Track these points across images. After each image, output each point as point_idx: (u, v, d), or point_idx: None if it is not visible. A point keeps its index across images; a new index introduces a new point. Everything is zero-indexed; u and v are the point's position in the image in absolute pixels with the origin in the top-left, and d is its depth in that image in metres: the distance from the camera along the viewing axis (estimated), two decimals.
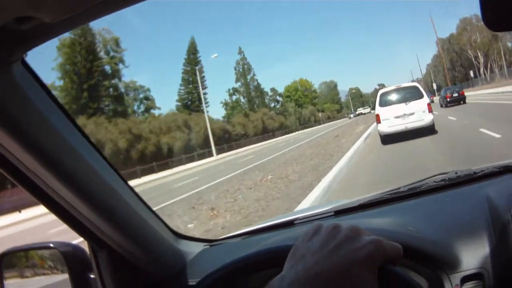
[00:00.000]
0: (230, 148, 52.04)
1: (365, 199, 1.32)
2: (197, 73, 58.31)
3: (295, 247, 0.62)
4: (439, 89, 73.70)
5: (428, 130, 12.42)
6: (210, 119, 54.07)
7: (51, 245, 1.15)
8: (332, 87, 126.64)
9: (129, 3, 0.67)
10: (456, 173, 1.33)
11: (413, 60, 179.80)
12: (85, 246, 1.10)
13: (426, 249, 0.91)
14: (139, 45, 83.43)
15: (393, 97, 13.18)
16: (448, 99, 29.04)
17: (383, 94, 13.55)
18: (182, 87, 66.72)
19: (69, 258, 1.12)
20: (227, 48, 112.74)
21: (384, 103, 13.20)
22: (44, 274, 1.25)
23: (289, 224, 1.35)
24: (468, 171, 1.30)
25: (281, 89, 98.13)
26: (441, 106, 30.25)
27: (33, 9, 0.59)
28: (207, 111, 59.79)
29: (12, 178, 0.84)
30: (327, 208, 1.35)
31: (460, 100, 28.85)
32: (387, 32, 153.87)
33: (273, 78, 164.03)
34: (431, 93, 71.01)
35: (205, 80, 67.35)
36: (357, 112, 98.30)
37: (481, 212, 0.97)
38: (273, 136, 67.58)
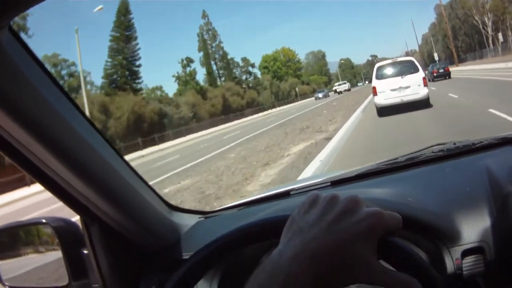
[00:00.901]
0: (164, 140, 38.48)
1: (362, 169, 1.30)
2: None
3: (291, 219, 0.60)
4: (439, 60, 71.28)
5: (423, 103, 12.88)
6: (140, 100, 44.41)
7: (43, 220, 1.13)
8: (319, 57, 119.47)
9: None
10: (454, 144, 1.32)
11: (407, 29, 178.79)
12: (78, 221, 1.08)
13: (427, 220, 0.90)
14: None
15: (389, 70, 13.69)
16: (434, 74, 32.97)
17: (379, 68, 14.05)
18: (109, 60, 51.48)
19: (62, 233, 1.10)
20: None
21: (381, 76, 13.70)
22: (37, 252, 1.23)
23: (285, 194, 1.34)
24: (466, 142, 1.29)
25: (259, 60, 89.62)
26: (429, 80, 34.86)
27: None
28: (141, 89, 51.12)
29: (2, 151, 0.81)
30: (323, 179, 1.34)
31: (446, 75, 32.57)
32: None
33: (255, 50, 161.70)
34: (427, 66, 69.77)
35: (139, 49, 53.38)
36: (334, 89, 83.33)
37: (481, 184, 0.96)
38: (242, 116, 55.37)
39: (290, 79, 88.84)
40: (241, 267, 1.03)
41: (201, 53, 71.58)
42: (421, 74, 13.19)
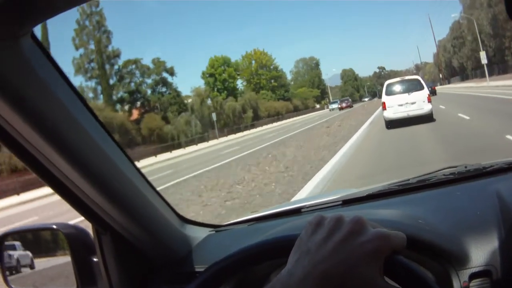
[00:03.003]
0: None
1: (374, 190, 1.30)
2: None
3: (300, 239, 0.62)
4: (462, 71, 65.25)
5: (427, 118, 14.25)
6: None
7: (54, 226, 1.14)
8: (312, 66, 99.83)
9: None
10: (465, 167, 1.32)
11: (417, 39, 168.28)
12: (89, 229, 1.09)
13: (436, 243, 0.90)
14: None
15: (398, 87, 15.37)
16: None
17: (389, 85, 15.75)
18: None
19: (72, 240, 1.11)
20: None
21: (390, 92, 15.32)
22: (46, 256, 1.24)
23: (296, 211, 1.34)
24: (477, 166, 1.29)
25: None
26: None
27: None
28: None
29: (18, 156, 0.82)
30: (334, 197, 1.34)
31: (433, 93, 35.71)
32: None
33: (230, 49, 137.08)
34: (446, 80, 67.02)
35: None
36: (329, 107, 70.41)
37: (491, 208, 0.96)
38: None
39: (249, 93, 64.98)
40: (251, 284, 1.03)
41: (80, 51, 45.31)
42: (426, 91, 14.70)
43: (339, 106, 62.62)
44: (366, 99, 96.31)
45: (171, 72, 51.88)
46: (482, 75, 48.84)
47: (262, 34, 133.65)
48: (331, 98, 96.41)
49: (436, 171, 1.36)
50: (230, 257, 0.76)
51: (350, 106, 60.93)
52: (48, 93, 0.76)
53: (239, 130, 51.90)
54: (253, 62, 76.29)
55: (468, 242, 0.88)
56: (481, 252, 0.86)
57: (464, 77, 67.24)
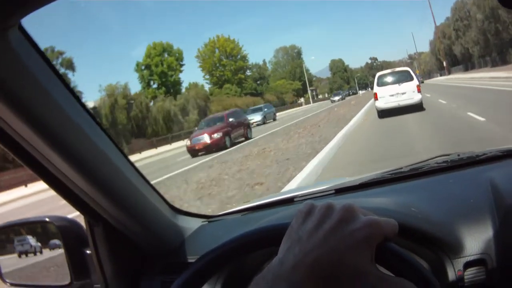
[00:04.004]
0: None
1: (366, 178, 1.31)
2: None
3: (290, 228, 0.61)
4: (466, 59, 55.81)
5: (417, 107, 15.01)
6: None
7: (47, 219, 1.15)
8: (293, 56, 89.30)
9: None
10: (458, 155, 1.32)
11: (410, 29, 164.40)
12: (82, 221, 1.09)
13: (429, 231, 0.90)
14: None
15: (389, 79, 16.04)
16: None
17: (380, 76, 16.44)
18: None
19: (65, 232, 1.11)
20: None
21: (381, 83, 15.96)
22: (39, 249, 1.23)
23: (289, 201, 1.34)
24: (470, 154, 1.29)
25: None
26: None
27: None
28: None
29: (8, 149, 0.81)
30: (327, 186, 1.34)
31: (422, 81, 41.03)
32: None
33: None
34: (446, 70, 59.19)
35: None
36: (331, 99, 61.46)
37: (485, 196, 0.96)
38: None
39: (195, 89, 50.45)
40: (243, 273, 1.04)
41: None
42: (415, 82, 15.37)
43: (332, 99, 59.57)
44: (362, 92, 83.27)
45: (69, 66, 40.09)
46: (493, 64, 44.11)
47: (241, 25, 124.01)
48: (318, 91, 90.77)
49: (429, 159, 1.37)
50: (222, 246, 0.76)
51: (343, 99, 59.25)
52: (37, 85, 0.75)
53: (166, 141, 37.57)
54: (217, 51, 65.11)
55: (462, 231, 0.89)
56: (475, 241, 0.86)
57: (469, 66, 57.43)
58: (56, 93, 0.79)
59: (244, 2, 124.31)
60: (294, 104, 73.99)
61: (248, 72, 71.53)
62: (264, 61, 79.73)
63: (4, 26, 0.68)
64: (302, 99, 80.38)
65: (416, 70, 79.80)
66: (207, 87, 64.43)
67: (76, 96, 0.86)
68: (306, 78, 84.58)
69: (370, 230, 0.55)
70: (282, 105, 68.43)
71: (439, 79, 50.40)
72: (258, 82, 75.99)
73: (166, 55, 51.66)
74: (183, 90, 53.31)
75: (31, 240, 1.25)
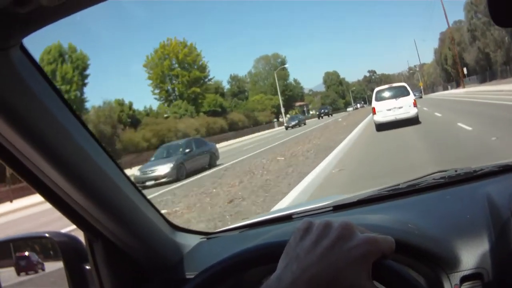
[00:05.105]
0: None
1: (364, 195, 1.31)
2: None
3: (289, 245, 0.62)
4: (483, 67, 44.19)
5: (413, 121, 15.68)
6: None
7: (47, 235, 1.15)
8: (275, 66, 75.48)
9: None
10: (455, 171, 1.33)
11: (410, 39, 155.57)
12: (80, 236, 1.10)
13: (426, 247, 0.91)
14: None
15: (386, 94, 16.88)
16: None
17: (378, 92, 17.27)
18: None
19: (65, 248, 1.12)
20: None
21: (379, 98, 16.76)
22: (40, 264, 1.24)
23: (287, 218, 1.35)
24: (467, 169, 1.30)
25: None
26: None
27: None
28: None
29: (9, 165, 0.83)
30: (326, 203, 1.35)
31: (420, 97, 41.85)
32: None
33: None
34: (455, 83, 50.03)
35: None
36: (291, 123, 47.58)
37: (481, 211, 0.97)
38: None
39: (107, 110, 36.79)
40: None
41: None
42: (412, 97, 16.26)
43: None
44: (350, 109, 73.53)
45: None
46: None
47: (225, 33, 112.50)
48: (310, 106, 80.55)
49: (426, 176, 1.38)
50: (221, 263, 0.76)
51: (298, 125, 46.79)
52: (38, 103, 0.77)
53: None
54: (169, 58, 51.51)
55: (458, 246, 0.89)
56: (471, 255, 0.87)
57: (489, 76, 46.16)
58: (56, 111, 0.81)
59: (233, 12, 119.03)
60: (267, 125, 59.83)
61: (211, 82, 56.42)
62: (250, 72, 68.76)
63: (5, 46, 0.70)
64: (276, 120, 64.02)
65: (420, 82, 76.29)
66: (156, 104, 51.88)
67: (76, 115, 0.87)
68: (292, 92, 75.57)
69: (367, 247, 0.56)
70: (256, 125, 56.78)
71: (448, 93, 42.55)
72: (237, 97, 64.91)
73: (64, 63, 37.23)
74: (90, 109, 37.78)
75: (31, 255, 1.25)
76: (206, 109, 51.45)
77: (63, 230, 1.19)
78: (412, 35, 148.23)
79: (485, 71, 48.37)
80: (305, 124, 48.43)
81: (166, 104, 49.49)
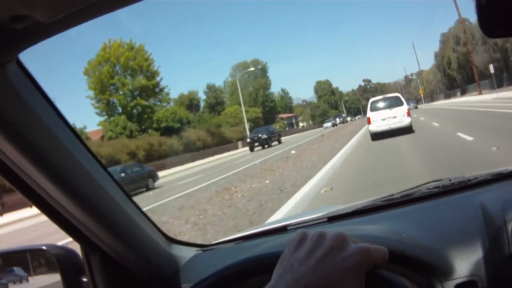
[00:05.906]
0: None
1: (359, 206, 1.32)
2: None
3: (283, 256, 0.63)
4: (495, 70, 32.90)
5: (407, 130, 16.14)
6: None
7: (44, 247, 1.15)
8: (256, 74, 69.11)
9: (125, 4, 0.68)
10: (450, 180, 1.34)
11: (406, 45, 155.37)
12: (77, 249, 1.10)
13: (420, 256, 0.92)
14: None
15: (381, 104, 17.35)
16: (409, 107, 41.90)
17: (373, 102, 17.77)
18: None
19: (62, 261, 1.12)
20: None
21: (374, 108, 17.19)
22: (36, 277, 1.24)
23: (282, 229, 1.35)
24: (461, 178, 1.31)
25: None
26: None
27: (27, 7, 0.59)
28: None
29: (5, 178, 0.83)
30: (320, 214, 1.36)
31: (415, 107, 44.46)
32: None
33: None
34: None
35: None
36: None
37: (475, 219, 0.98)
38: None
39: None
40: None
41: None
42: (405, 106, 16.79)
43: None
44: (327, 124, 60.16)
45: None
46: None
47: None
48: (301, 118, 73.09)
49: (420, 185, 1.39)
50: (215, 274, 0.77)
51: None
52: (34, 117, 0.78)
53: None
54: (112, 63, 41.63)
55: (452, 254, 0.90)
56: (466, 263, 0.88)
57: (507, 79, 40.73)
58: (53, 126, 0.82)
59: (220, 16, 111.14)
60: (236, 144, 49.22)
61: (166, 90, 46.83)
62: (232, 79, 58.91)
63: (2, 61, 0.71)
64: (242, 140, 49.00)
65: (420, 89, 72.61)
66: (97, 120, 42.10)
67: (73, 130, 0.88)
68: (274, 102, 66.55)
69: (360, 257, 0.57)
70: (219, 144, 46.41)
71: (459, 102, 35.81)
72: (214, 109, 57.69)
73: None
74: None
75: (28, 267, 1.25)
76: (157, 126, 43.24)
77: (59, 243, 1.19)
78: (408, 41, 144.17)
79: (501, 74, 41.33)
80: (279, 142, 37.89)
81: (107, 121, 40.74)
